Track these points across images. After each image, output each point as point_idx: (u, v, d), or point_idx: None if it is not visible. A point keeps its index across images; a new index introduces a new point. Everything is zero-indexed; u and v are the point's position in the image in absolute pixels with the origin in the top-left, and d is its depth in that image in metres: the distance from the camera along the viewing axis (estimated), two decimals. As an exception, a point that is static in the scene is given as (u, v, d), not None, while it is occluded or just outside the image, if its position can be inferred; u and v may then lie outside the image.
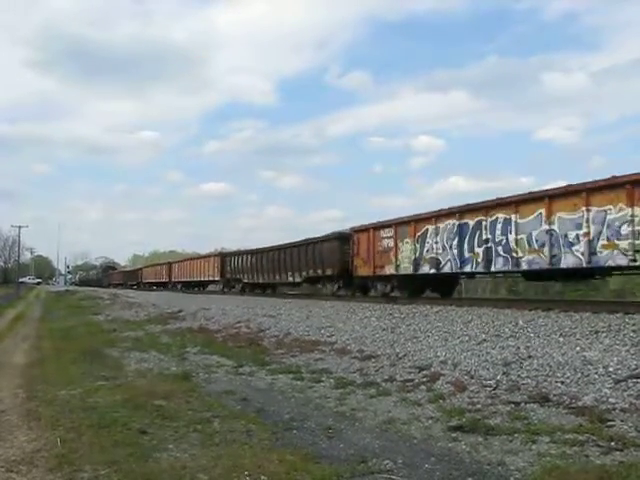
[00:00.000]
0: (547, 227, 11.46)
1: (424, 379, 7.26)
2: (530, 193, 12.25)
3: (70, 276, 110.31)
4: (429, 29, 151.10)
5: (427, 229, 15.04)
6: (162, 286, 46.92)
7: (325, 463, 4.32)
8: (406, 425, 5.39)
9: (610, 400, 5.63)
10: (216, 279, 33.53)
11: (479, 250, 13.21)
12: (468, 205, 13.82)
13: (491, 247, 12.89)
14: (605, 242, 10.34)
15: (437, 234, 14.62)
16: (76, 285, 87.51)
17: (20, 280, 68.68)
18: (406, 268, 15.72)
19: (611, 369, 6.45)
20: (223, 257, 32.90)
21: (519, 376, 6.84)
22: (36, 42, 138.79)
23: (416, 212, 16.00)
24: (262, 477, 4.01)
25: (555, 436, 4.76)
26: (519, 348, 8.00)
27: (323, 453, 4.60)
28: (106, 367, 9.08)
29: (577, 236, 10.84)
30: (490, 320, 10.30)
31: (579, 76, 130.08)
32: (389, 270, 16.52)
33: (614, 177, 10.29)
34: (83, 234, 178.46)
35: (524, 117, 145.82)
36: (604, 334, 8.07)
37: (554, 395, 6.01)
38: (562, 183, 13.10)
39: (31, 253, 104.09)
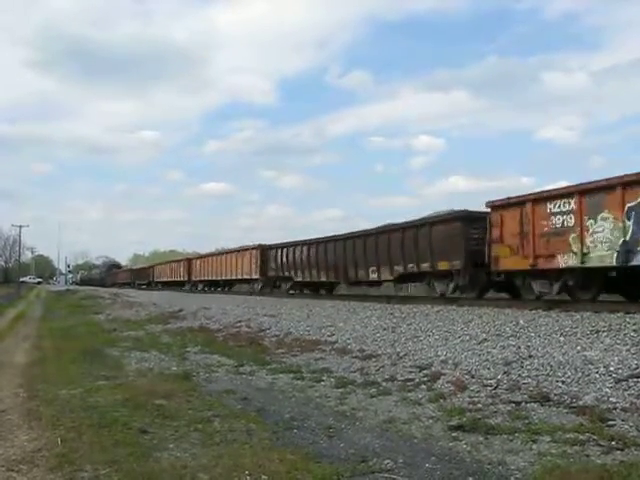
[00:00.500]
0: None
1: (425, 378, 7.26)
2: None
3: (71, 275, 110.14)
4: (429, 29, 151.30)
5: None
6: (179, 286, 42.71)
7: (326, 462, 4.31)
8: (407, 424, 5.38)
9: (611, 399, 5.62)
10: (254, 277, 27.31)
11: None
12: None
13: None
14: None
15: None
16: (77, 285, 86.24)
17: (21, 280, 68.76)
18: (602, 258, 10.67)
19: (612, 368, 6.44)
20: (265, 250, 26.51)
21: (520, 375, 6.83)
22: (36, 42, 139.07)
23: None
24: (263, 476, 4.01)
25: (556, 435, 4.76)
26: (520, 347, 8.00)
27: (324, 452, 4.60)
28: (107, 366, 9.08)
29: None
30: (491, 319, 10.30)
31: (579, 76, 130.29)
32: (564, 261, 11.43)
33: None
34: (83, 234, 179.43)
35: (524, 117, 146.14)
36: (605, 333, 8.06)
37: (555, 394, 6.01)
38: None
39: (32, 253, 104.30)
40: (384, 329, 11.09)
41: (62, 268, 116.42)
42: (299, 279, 23.02)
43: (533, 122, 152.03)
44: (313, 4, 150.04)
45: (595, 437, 4.64)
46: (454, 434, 4.99)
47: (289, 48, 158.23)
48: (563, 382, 6.35)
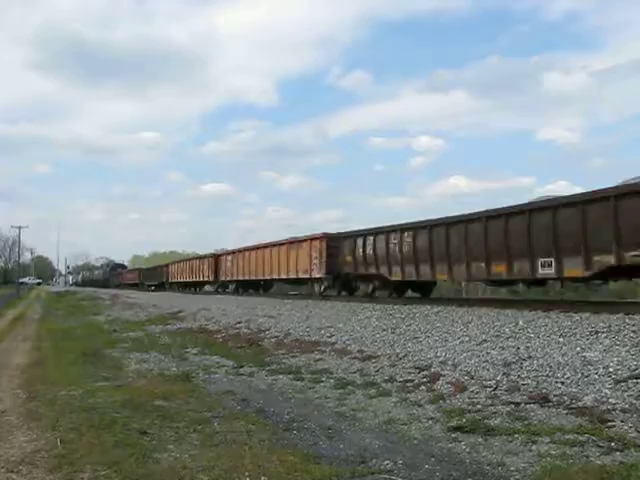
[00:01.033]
0: None
1: (424, 379, 7.26)
2: None
3: (71, 276, 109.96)
4: (430, 29, 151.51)
5: None
6: (199, 287, 39.26)
7: (325, 463, 4.32)
8: (406, 425, 5.38)
9: (610, 400, 5.63)
10: (316, 276, 20.73)
11: None
12: None
13: None
14: None
15: None
16: (78, 286, 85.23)
17: (20, 281, 68.69)
18: None
19: (611, 369, 6.45)
20: (333, 239, 20.01)
21: (519, 376, 6.84)
22: (37, 42, 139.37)
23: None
24: (262, 477, 4.01)
25: (555, 436, 4.76)
26: (519, 348, 8.00)
27: (323, 453, 4.60)
28: (106, 368, 9.08)
29: None
30: (490, 320, 10.30)
31: (580, 76, 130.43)
32: None
33: None
34: (83, 235, 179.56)
35: (525, 117, 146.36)
36: (604, 334, 8.07)
37: (554, 395, 6.01)
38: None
39: (31, 253, 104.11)
40: (383, 330, 11.09)
41: (62, 269, 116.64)
42: (396, 278, 16.34)
43: (533, 123, 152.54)
44: (313, 4, 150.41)
45: (594, 438, 4.64)
46: (453, 435, 5.00)
47: (289, 48, 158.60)
48: (562, 383, 6.35)
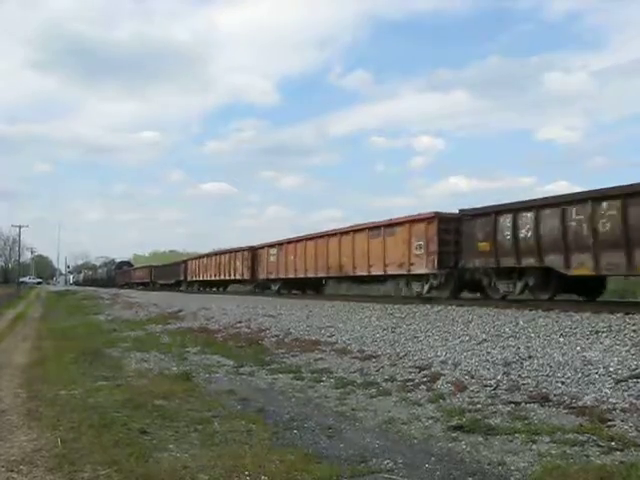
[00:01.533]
0: None
1: (424, 379, 7.26)
2: None
3: (72, 275, 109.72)
4: (430, 28, 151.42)
5: None
6: (223, 286, 34.23)
7: (325, 463, 4.32)
8: (406, 425, 5.38)
9: (611, 400, 5.63)
10: (422, 271, 15.30)
11: None
12: None
13: None
14: None
15: None
16: (79, 285, 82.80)
17: (20, 280, 68.75)
18: None
19: (611, 369, 6.45)
20: (449, 221, 14.78)
21: (519, 376, 6.84)
22: (37, 42, 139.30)
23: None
24: (262, 477, 4.01)
25: (555, 436, 4.76)
26: (519, 348, 8.00)
27: (323, 453, 4.60)
28: (106, 367, 9.08)
29: None
30: (490, 320, 10.30)
31: (580, 76, 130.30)
32: None
33: None
34: (83, 234, 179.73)
35: (525, 117, 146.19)
36: (604, 334, 8.07)
37: (554, 395, 6.01)
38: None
39: (31, 253, 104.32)
40: (384, 329, 11.09)
41: (62, 268, 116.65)
42: (581, 271, 11.04)
43: (534, 122, 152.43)
44: (314, 4, 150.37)
45: (595, 438, 4.65)
46: (454, 434, 5.00)
47: (290, 48, 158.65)
48: (563, 383, 6.35)
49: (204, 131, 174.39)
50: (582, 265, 10.96)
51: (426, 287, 15.57)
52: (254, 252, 27.73)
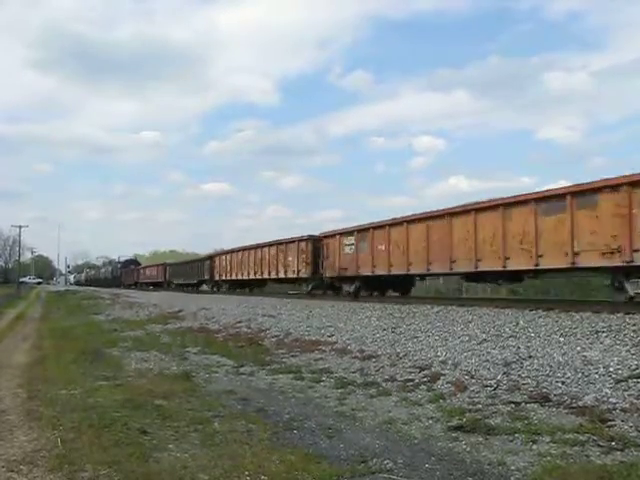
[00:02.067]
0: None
1: (424, 379, 7.26)
2: None
3: (73, 275, 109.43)
4: (430, 28, 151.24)
5: None
6: (266, 284, 27.79)
7: (325, 463, 4.32)
8: (406, 425, 5.38)
9: (611, 400, 5.63)
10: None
11: None
12: None
13: None
14: None
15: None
16: (81, 286, 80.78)
17: (20, 280, 68.77)
18: None
19: (612, 369, 6.45)
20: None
21: (520, 376, 6.84)
22: (37, 42, 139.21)
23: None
24: (262, 477, 4.01)
25: (556, 436, 4.76)
26: (519, 348, 8.00)
27: (323, 453, 4.60)
28: (106, 367, 9.08)
29: None
30: (491, 320, 10.29)
31: (581, 76, 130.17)
32: None
33: None
34: (83, 234, 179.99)
35: (525, 117, 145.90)
36: (605, 334, 8.06)
37: (555, 395, 6.01)
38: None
39: (31, 253, 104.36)
40: (384, 329, 11.09)
41: (62, 268, 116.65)
42: None
43: (534, 122, 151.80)
44: (314, 4, 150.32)
45: (595, 437, 4.65)
46: (454, 434, 5.00)
47: (290, 48, 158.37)
48: (563, 382, 6.35)
49: (204, 131, 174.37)
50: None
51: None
52: (317, 242, 21.08)
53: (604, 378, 6.23)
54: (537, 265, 11.60)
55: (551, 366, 6.95)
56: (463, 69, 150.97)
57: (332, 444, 4.86)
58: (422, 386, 6.96)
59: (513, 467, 4.16)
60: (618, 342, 7.55)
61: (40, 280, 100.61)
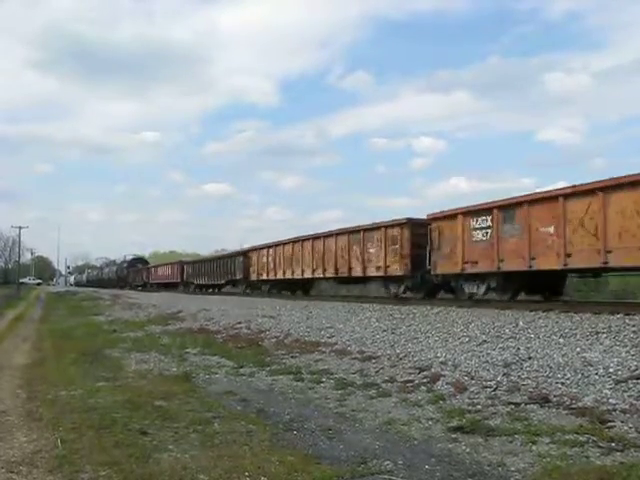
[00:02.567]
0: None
1: (424, 380, 7.26)
2: None
3: (74, 276, 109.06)
4: (430, 29, 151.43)
5: None
6: (314, 285, 23.93)
7: (325, 464, 4.32)
8: (406, 426, 5.38)
9: (610, 401, 5.63)
10: None
11: None
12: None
13: None
14: None
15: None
16: (83, 286, 78.27)
17: (20, 281, 68.70)
18: None
19: (611, 370, 6.45)
20: None
21: (519, 377, 6.84)
22: (37, 42, 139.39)
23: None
24: (262, 478, 4.01)
25: (555, 437, 4.76)
26: (519, 349, 8.01)
27: (323, 454, 4.60)
28: (106, 368, 9.08)
29: None
30: (490, 321, 10.30)
31: (581, 77, 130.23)
32: None
33: None
34: (83, 235, 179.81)
35: (526, 118, 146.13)
36: (604, 335, 8.07)
37: (554, 396, 6.01)
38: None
39: (31, 254, 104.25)
40: (383, 330, 11.09)
41: (62, 269, 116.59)
42: None
43: (534, 123, 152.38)
44: (314, 4, 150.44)
45: (595, 438, 4.65)
46: (454, 435, 5.00)
47: (290, 49, 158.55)
48: (562, 383, 6.35)
49: (204, 132, 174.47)
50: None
51: None
52: (419, 227, 15.58)
53: (604, 379, 6.23)
54: None
55: (551, 367, 6.95)
56: (463, 70, 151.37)
57: (332, 445, 4.86)
58: (422, 387, 6.95)
59: (513, 468, 4.16)
60: (618, 343, 7.56)
61: (40, 281, 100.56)
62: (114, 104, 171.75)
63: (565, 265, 11.17)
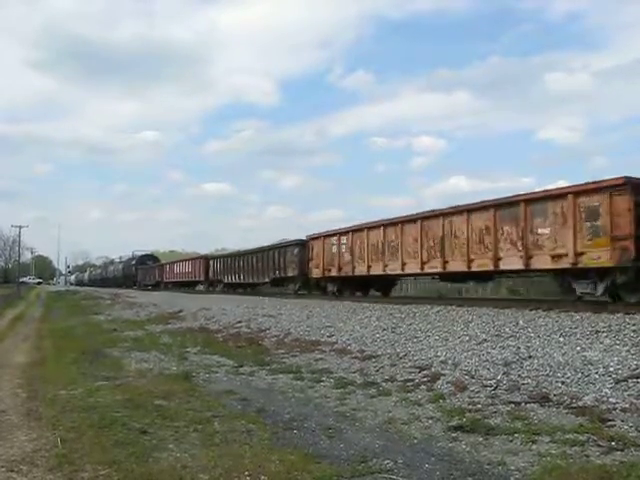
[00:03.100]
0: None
1: (424, 379, 7.26)
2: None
3: (75, 275, 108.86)
4: (431, 29, 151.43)
5: None
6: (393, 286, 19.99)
7: (325, 463, 4.32)
8: (406, 425, 5.38)
9: (610, 400, 5.63)
10: None
11: None
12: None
13: None
14: None
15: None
16: (85, 286, 76.96)
17: (21, 280, 68.64)
18: None
19: (611, 369, 6.45)
20: None
21: (519, 376, 6.83)
22: (38, 42, 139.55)
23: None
24: (262, 477, 4.01)
25: (555, 436, 4.76)
26: (519, 348, 8.00)
27: (323, 453, 4.60)
28: (106, 367, 9.08)
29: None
30: (490, 320, 10.29)
31: (582, 76, 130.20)
32: None
33: None
34: (83, 234, 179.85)
35: (526, 117, 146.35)
36: (604, 334, 8.06)
37: (554, 395, 6.01)
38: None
39: (31, 253, 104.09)
40: (384, 329, 11.09)
41: (62, 269, 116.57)
42: None
43: (534, 122, 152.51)
44: (314, 4, 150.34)
45: (595, 437, 4.65)
46: (454, 434, 5.00)
47: (291, 48, 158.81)
48: (563, 382, 6.35)
49: (204, 131, 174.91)
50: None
51: None
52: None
53: (604, 378, 6.23)
54: None
55: (551, 366, 6.94)
56: (464, 69, 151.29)
57: (332, 444, 4.86)
58: (422, 386, 6.95)
59: (513, 467, 4.16)
60: (618, 342, 7.55)
61: (40, 280, 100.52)
62: (114, 104, 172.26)
63: None
